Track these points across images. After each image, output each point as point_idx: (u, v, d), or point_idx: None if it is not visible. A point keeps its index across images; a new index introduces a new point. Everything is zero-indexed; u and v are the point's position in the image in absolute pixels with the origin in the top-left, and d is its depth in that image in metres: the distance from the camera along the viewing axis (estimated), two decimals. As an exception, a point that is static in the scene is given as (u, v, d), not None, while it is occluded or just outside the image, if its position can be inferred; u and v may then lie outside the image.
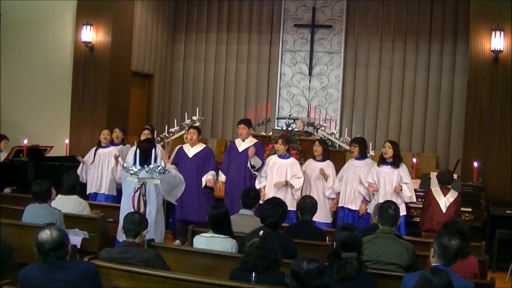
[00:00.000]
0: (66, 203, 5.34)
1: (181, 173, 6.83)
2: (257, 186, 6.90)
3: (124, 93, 9.62)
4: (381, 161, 6.56)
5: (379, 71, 10.66)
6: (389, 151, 6.49)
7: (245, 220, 4.87)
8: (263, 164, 6.97)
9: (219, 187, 7.19)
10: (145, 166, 4.46)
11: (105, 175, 7.34)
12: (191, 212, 6.98)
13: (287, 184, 6.76)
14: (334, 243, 3.53)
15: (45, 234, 3.30)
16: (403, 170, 6.47)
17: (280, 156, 6.93)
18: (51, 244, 3.27)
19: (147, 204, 5.05)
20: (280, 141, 6.96)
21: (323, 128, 8.53)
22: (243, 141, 7.18)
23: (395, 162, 6.46)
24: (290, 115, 10.09)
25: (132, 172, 4.43)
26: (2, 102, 9.16)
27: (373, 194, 6.51)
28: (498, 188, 7.44)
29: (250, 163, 6.93)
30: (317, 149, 6.97)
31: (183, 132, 8.62)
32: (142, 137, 7.12)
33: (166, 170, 4.57)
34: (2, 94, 9.18)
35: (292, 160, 6.96)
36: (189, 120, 8.48)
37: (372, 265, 4.02)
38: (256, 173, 7.01)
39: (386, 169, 6.48)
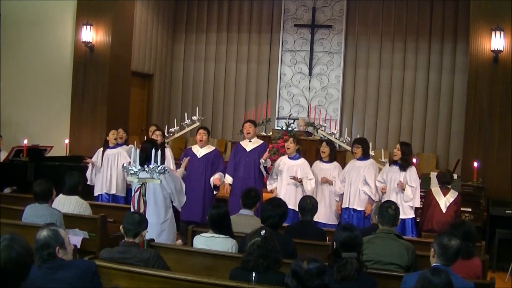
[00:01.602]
0: (67, 203, 5.32)
1: (189, 174, 6.76)
2: (269, 187, 6.91)
3: (124, 93, 9.62)
4: (392, 161, 6.64)
5: (379, 71, 10.66)
6: (397, 153, 6.54)
7: (245, 220, 4.86)
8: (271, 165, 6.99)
9: (226, 189, 7.10)
10: (145, 166, 4.47)
11: (115, 175, 7.32)
12: (195, 213, 6.93)
13: (301, 182, 6.71)
14: (334, 243, 3.52)
15: (38, 233, 3.32)
16: (409, 173, 6.46)
17: (290, 157, 6.90)
18: (36, 243, 3.28)
19: (153, 206, 5.09)
20: (291, 139, 6.95)
21: (323, 128, 8.53)
22: (250, 141, 7.13)
23: (403, 165, 6.48)
24: (290, 115, 10.08)
25: (132, 172, 4.43)
26: (2, 102, 9.17)
27: (383, 194, 6.53)
28: (498, 188, 7.44)
29: (263, 165, 6.90)
30: (325, 150, 6.92)
31: (183, 132, 8.62)
32: (154, 138, 7.12)
33: (166, 170, 4.57)
34: (2, 94, 9.18)
35: (302, 160, 6.90)
36: (189, 120, 8.47)
37: (372, 265, 4.01)
38: (265, 173, 7.00)
39: (394, 169, 6.55)
